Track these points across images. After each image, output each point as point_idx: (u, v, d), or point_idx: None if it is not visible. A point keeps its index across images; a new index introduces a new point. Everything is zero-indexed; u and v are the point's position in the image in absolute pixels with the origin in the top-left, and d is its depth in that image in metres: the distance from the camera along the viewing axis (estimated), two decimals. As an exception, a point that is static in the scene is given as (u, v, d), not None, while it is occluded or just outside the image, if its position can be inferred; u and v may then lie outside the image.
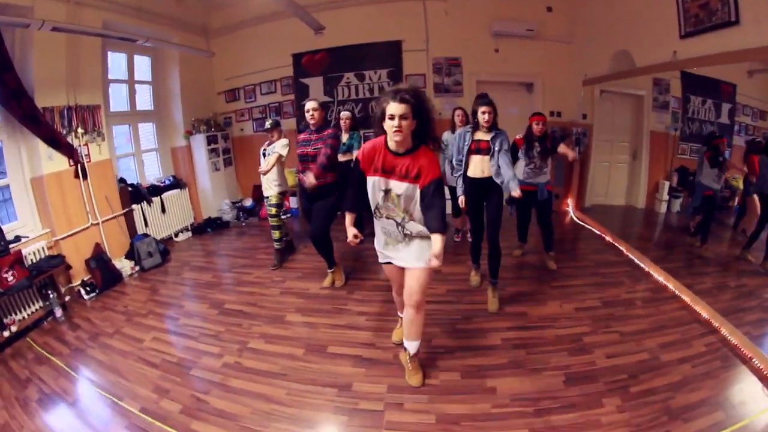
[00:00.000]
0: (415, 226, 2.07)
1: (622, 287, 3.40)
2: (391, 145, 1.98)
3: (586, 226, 5.04)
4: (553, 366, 2.41)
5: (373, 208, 2.12)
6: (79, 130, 3.88)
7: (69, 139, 3.77)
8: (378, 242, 2.25)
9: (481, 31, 5.33)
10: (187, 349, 2.78)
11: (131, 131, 5.02)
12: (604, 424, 1.97)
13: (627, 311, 3.01)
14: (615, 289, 3.35)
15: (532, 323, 2.88)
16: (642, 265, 3.77)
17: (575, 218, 5.34)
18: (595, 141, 5.27)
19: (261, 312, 3.21)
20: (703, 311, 2.92)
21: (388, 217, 2.09)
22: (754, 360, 2.38)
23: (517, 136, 3.62)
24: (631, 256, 3.99)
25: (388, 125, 1.89)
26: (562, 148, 3.52)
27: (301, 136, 3.39)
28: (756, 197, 3.19)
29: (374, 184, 2.04)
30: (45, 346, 2.93)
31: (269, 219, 4.06)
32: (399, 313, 2.64)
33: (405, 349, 2.35)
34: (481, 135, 2.97)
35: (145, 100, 5.25)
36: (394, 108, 1.86)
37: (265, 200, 4.14)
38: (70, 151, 3.74)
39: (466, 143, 3.00)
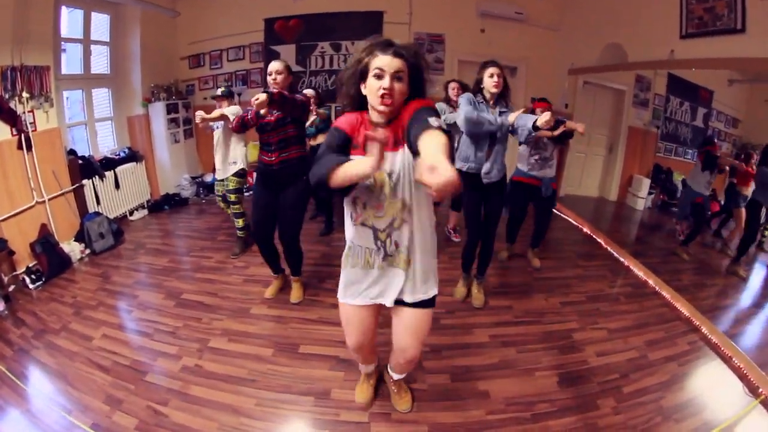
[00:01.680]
0: (414, 232, 1.40)
1: (604, 281, 3.39)
2: (373, 116, 1.36)
3: (562, 215, 5.03)
4: (546, 365, 2.32)
5: (351, 205, 1.42)
6: (24, 95, 3.41)
7: (12, 105, 3.30)
8: (344, 265, 1.55)
9: (468, 9, 5.15)
10: (141, 348, 2.46)
11: (84, 97, 4.50)
12: (601, 427, 1.93)
13: (612, 307, 3.00)
14: (597, 283, 3.33)
15: (519, 318, 2.78)
16: (621, 259, 3.77)
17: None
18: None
19: (223, 303, 2.91)
20: (684, 309, 2.95)
21: (363, 224, 1.42)
22: (734, 359, 2.43)
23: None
24: (610, 249, 3.98)
25: (373, 87, 1.28)
26: (570, 124, 3.05)
27: None
28: (743, 210, 3.19)
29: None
30: (-14, 346, 2.54)
31: (230, 206, 3.64)
32: (361, 367, 2.00)
33: (388, 372, 1.99)
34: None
35: (101, 63, 4.71)
36: (385, 62, 1.26)
37: (219, 184, 3.69)
38: (13, 119, 3.27)
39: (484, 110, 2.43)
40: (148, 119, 5.12)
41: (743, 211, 3.19)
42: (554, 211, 5.04)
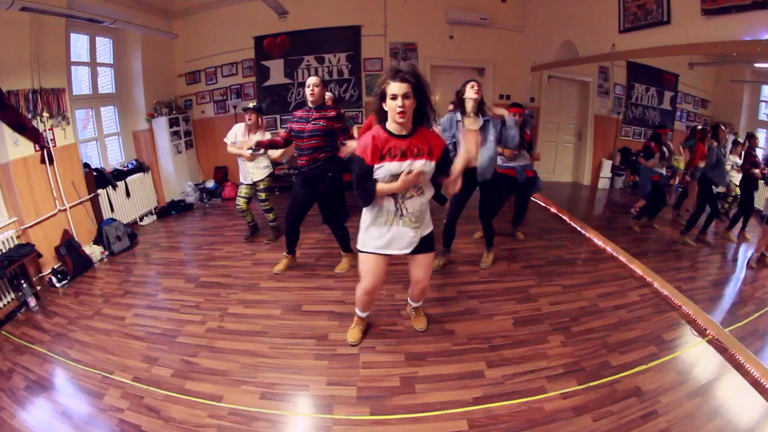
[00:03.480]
0: (419, 204, 2.03)
1: (565, 249, 3.82)
2: (393, 128, 1.93)
3: (533, 199, 5.41)
4: (504, 312, 2.77)
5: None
6: (45, 114, 3.79)
7: (34, 123, 3.67)
8: (370, 225, 2.10)
9: (437, 18, 5.61)
10: (169, 320, 2.87)
11: (94, 115, 4.91)
12: (551, 356, 2.33)
13: (569, 268, 3.43)
14: (558, 251, 3.77)
15: (483, 279, 3.24)
16: (583, 231, 4.21)
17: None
18: (542, 122, 5.73)
19: (236, 282, 3.36)
20: (638, 269, 3.32)
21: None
22: (683, 307, 2.77)
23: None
24: (573, 224, 4.44)
25: (391, 106, 1.85)
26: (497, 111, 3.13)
27: (298, 113, 3.12)
28: (695, 181, 3.47)
29: (386, 170, 1.93)
30: (23, 336, 2.82)
31: (261, 204, 4.03)
32: (358, 312, 2.49)
33: (408, 304, 2.65)
34: (468, 123, 2.90)
35: (106, 83, 5.13)
36: (396, 88, 1.82)
37: (244, 187, 4.00)
38: (35, 136, 3.63)
39: (459, 131, 2.86)
40: (152, 133, 5.52)
41: (694, 182, 3.49)
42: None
